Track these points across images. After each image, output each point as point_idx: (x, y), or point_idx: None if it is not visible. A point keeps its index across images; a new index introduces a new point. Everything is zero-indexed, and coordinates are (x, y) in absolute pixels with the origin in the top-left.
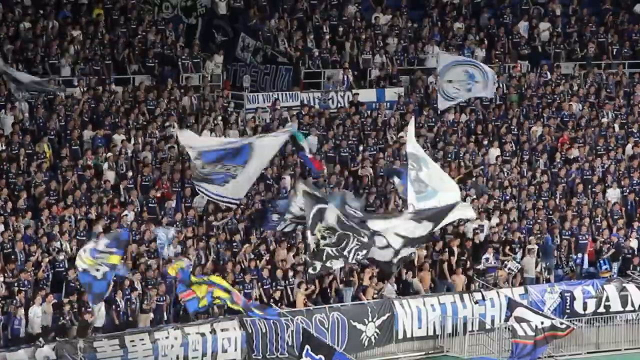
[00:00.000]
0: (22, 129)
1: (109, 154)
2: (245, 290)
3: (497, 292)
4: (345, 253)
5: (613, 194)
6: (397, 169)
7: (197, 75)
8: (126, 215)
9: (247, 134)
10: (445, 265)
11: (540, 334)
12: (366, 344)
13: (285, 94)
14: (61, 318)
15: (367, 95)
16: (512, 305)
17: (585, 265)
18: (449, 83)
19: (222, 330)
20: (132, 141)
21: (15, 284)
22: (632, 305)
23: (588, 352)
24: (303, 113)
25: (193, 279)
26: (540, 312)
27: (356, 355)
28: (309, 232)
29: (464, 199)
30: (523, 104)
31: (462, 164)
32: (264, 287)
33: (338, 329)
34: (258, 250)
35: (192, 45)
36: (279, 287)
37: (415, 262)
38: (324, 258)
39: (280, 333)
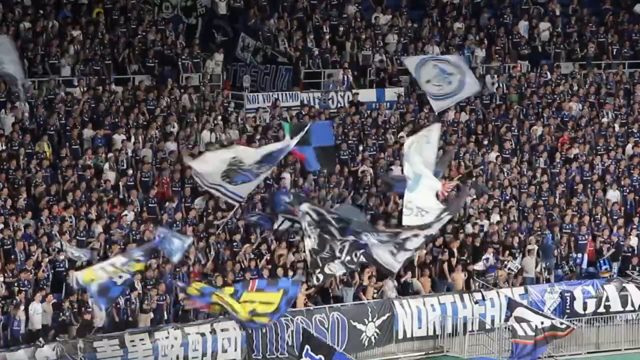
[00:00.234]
0: (22, 128)
1: (110, 154)
2: None
3: (497, 292)
4: (337, 254)
5: (613, 194)
6: (395, 180)
7: (197, 75)
8: (126, 215)
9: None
10: (445, 265)
11: (540, 334)
12: (366, 344)
13: (285, 94)
14: (61, 314)
15: (367, 95)
16: (512, 305)
17: (585, 265)
18: (428, 83)
19: (222, 330)
20: (132, 140)
21: (15, 284)
22: (632, 305)
23: (588, 352)
24: (303, 113)
25: (213, 298)
26: (540, 312)
27: (356, 355)
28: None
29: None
30: (523, 103)
31: (462, 163)
32: None
33: (338, 329)
34: (258, 249)
35: (192, 45)
36: None
37: (415, 262)
38: (321, 264)
39: (280, 333)
